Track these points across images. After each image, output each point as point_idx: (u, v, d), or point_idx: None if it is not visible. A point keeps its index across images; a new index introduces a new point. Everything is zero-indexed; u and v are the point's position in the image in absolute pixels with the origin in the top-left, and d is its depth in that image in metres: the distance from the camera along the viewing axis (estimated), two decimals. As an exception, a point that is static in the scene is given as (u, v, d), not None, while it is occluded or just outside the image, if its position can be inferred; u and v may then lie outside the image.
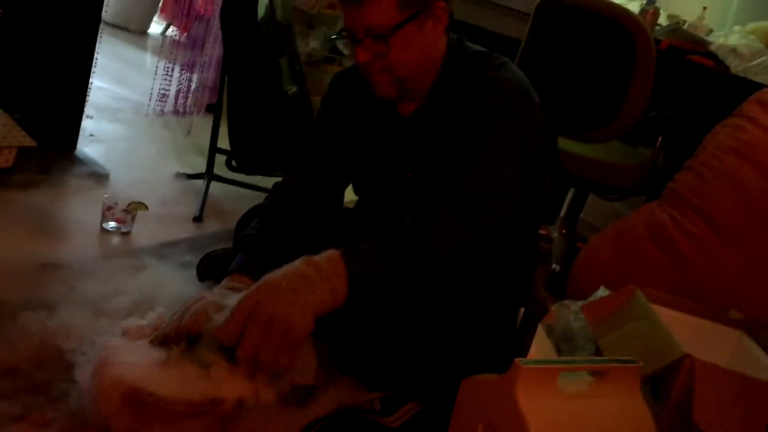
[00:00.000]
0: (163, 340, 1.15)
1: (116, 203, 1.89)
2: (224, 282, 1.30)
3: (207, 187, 2.30)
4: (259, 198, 1.62)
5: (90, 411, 1.06)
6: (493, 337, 1.40)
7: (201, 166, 2.44)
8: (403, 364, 1.31)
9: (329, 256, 1.15)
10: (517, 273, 1.52)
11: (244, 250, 1.37)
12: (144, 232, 1.94)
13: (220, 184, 2.39)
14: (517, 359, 1.10)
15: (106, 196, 1.91)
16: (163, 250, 1.85)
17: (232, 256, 1.43)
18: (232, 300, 1.17)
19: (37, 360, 1.25)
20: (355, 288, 1.14)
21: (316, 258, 1.15)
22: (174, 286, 1.57)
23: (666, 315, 1.40)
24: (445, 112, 1.36)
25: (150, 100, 3.11)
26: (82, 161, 2.27)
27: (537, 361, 1.11)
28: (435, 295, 1.26)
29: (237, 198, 2.36)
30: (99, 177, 2.22)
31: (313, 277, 1.12)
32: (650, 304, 1.40)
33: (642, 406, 1.17)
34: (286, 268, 1.14)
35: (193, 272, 1.69)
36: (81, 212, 1.96)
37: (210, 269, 1.69)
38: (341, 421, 1.17)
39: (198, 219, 2.14)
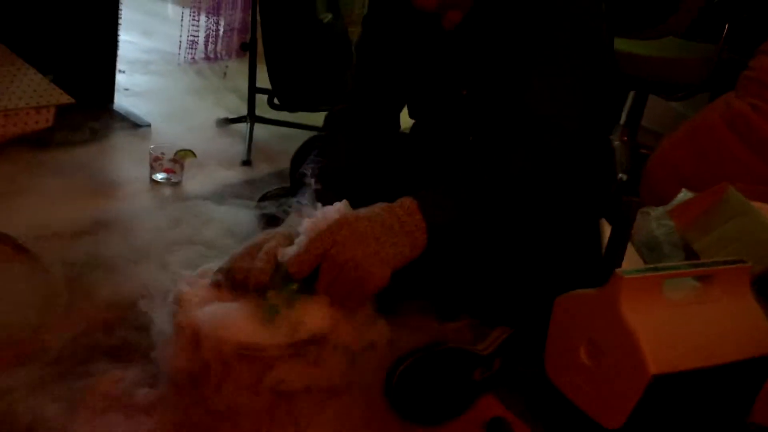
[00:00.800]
0: (233, 285, 1.09)
1: (163, 153, 1.83)
2: (290, 219, 1.24)
3: (251, 129, 2.23)
4: (305, 136, 1.54)
5: (175, 367, 1.01)
6: (577, 251, 1.31)
7: (242, 110, 2.37)
8: (486, 290, 1.24)
9: (408, 207, 1.07)
10: (594, 182, 1.43)
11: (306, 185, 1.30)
12: (194, 181, 1.89)
13: (264, 125, 2.32)
14: (617, 270, 1.03)
15: (152, 146, 1.85)
16: (216, 195, 1.80)
17: (291, 193, 1.37)
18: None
19: (109, 319, 1.21)
20: (434, 239, 1.07)
21: (396, 208, 1.07)
22: (234, 227, 1.52)
23: (764, 209, 1.29)
24: (495, 16, 1.24)
25: (180, 49, 3.05)
26: (121, 116, 2.22)
27: (639, 270, 1.03)
28: (511, 219, 1.18)
29: (283, 138, 2.29)
30: (141, 129, 2.17)
31: (396, 229, 1.05)
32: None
33: (754, 307, 1.08)
34: (368, 213, 1.06)
35: (252, 213, 1.63)
36: (128, 166, 1.91)
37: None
38: (431, 354, 1.11)
39: (247, 163, 2.08)
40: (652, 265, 1.24)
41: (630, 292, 1.00)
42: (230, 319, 1.00)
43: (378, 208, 1.08)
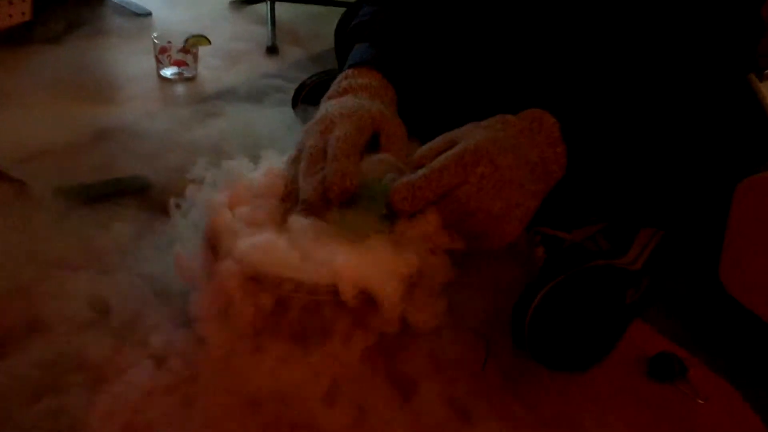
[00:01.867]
0: (303, 204, 0.77)
1: (170, 42, 1.48)
2: (343, 81, 0.89)
3: (272, 8, 1.86)
4: (338, 12, 1.20)
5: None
6: (731, 117, 0.98)
7: (258, -13, 2.00)
8: (620, 185, 0.91)
9: (548, 133, 0.76)
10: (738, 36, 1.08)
11: (364, 40, 0.96)
12: (212, 74, 1.55)
13: (286, 4, 1.95)
14: None
15: (155, 34, 1.50)
16: (241, 90, 1.45)
17: (340, 68, 1.03)
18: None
19: (120, 240, 0.94)
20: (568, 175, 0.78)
21: (536, 133, 0.76)
22: (271, 127, 1.20)
23: None
24: None
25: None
26: (116, 4, 1.85)
27: None
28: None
29: (311, 18, 1.95)
30: (141, 19, 1.81)
31: (539, 170, 0.75)
32: None
33: None
34: (507, 140, 0.74)
35: (288, 109, 1.30)
36: (129, 62, 1.57)
37: (310, 101, 1.29)
38: (572, 276, 0.79)
39: (272, 49, 1.72)
40: None
41: None
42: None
43: (514, 129, 0.76)
